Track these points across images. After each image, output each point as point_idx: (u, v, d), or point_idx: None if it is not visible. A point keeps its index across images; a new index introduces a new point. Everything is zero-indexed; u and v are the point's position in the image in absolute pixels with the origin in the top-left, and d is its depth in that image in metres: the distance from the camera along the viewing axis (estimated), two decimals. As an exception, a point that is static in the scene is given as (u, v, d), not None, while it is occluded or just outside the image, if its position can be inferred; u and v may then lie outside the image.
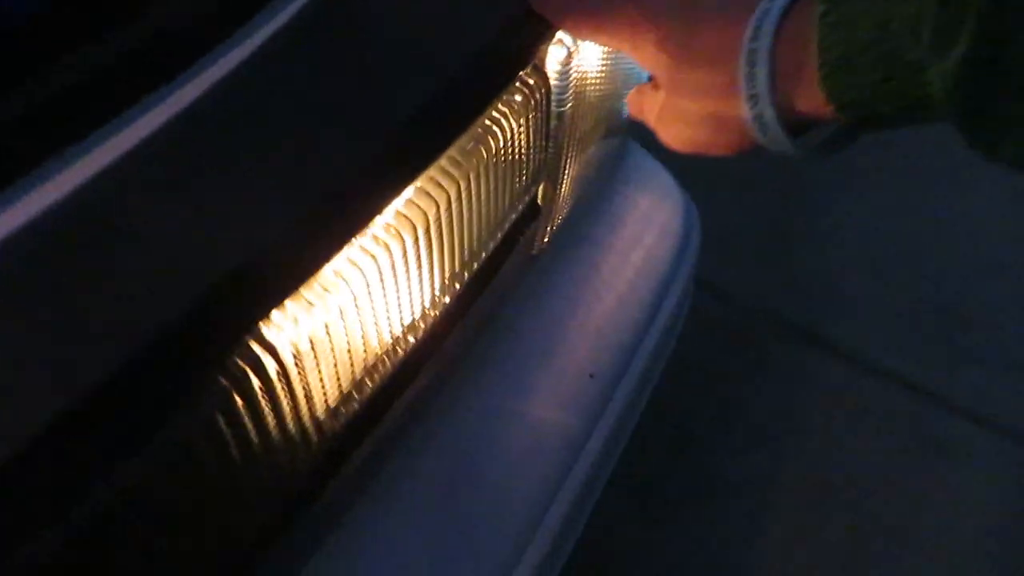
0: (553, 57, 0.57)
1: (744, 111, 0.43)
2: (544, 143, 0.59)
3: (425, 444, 0.64)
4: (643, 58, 0.49)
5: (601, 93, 0.69)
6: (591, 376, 0.75)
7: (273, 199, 0.40)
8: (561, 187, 0.69)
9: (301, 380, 0.41)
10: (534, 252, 0.72)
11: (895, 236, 1.89)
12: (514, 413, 0.70)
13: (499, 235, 0.58)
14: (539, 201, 0.65)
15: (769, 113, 0.42)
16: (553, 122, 0.60)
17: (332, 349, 0.44)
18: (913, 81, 0.38)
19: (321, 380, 0.43)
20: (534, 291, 0.75)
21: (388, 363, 0.50)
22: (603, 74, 0.68)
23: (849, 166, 2.08)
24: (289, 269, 0.40)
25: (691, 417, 1.57)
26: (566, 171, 0.68)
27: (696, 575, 1.36)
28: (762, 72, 0.41)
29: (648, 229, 0.88)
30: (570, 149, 0.67)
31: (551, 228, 0.73)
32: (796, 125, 0.44)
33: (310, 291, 0.41)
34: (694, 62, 0.45)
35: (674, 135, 0.51)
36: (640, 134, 0.95)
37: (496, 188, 0.55)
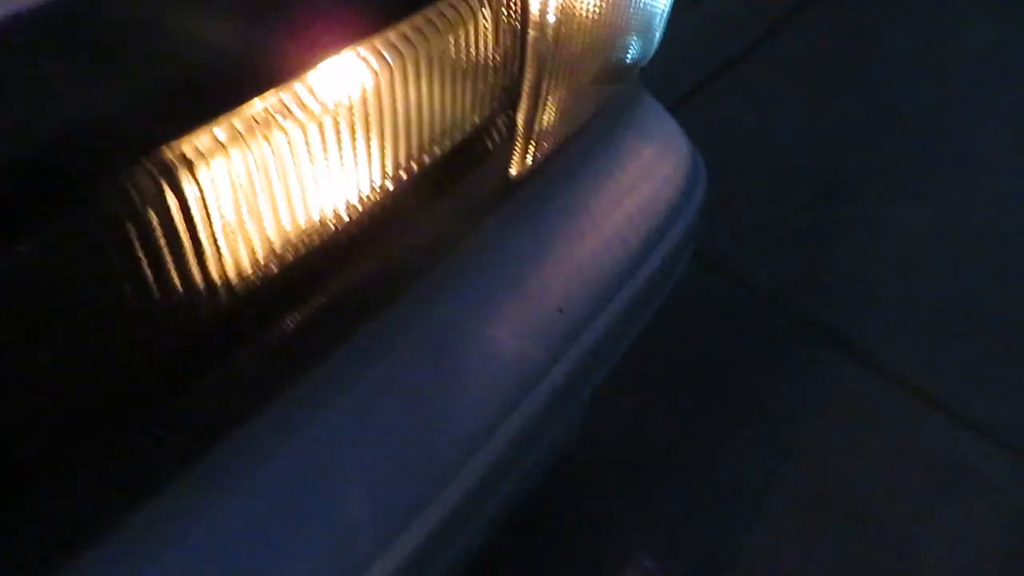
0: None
1: None
2: (518, 50, 0.58)
3: (374, 344, 0.63)
4: None
5: (597, 18, 0.68)
6: (560, 311, 0.74)
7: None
8: (542, 108, 0.68)
9: (204, 222, 0.41)
10: (514, 175, 0.71)
11: (936, 244, 1.82)
12: (472, 331, 0.69)
13: (458, 136, 0.58)
14: (516, 118, 0.64)
15: None
16: (532, 32, 0.59)
17: (244, 198, 0.44)
18: None
19: (229, 229, 0.43)
20: (514, 216, 0.74)
21: (318, 238, 0.50)
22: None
23: (896, 168, 2.03)
24: (213, 97, 0.40)
25: (699, 407, 1.54)
26: (550, 93, 0.67)
27: (686, 572, 1.33)
28: None
29: (647, 177, 0.86)
30: (555, 70, 0.66)
31: (535, 152, 0.72)
32: None
33: (227, 129, 0.41)
34: None
35: None
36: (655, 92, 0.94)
37: (456, 83, 0.54)
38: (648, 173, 0.86)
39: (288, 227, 0.48)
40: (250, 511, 0.56)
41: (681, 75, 2.25)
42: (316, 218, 0.49)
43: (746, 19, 2.48)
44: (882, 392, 1.57)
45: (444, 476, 0.63)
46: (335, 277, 0.54)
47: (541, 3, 0.58)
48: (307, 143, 0.46)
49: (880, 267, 1.79)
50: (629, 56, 0.80)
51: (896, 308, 1.72)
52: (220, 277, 0.44)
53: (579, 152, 0.81)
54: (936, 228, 1.88)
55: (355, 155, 0.50)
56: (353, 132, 0.48)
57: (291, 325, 0.53)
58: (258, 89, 0.41)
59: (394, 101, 0.49)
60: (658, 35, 0.86)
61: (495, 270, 0.72)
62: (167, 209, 0.39)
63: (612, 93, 0.82)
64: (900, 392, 1.57)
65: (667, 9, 0.85)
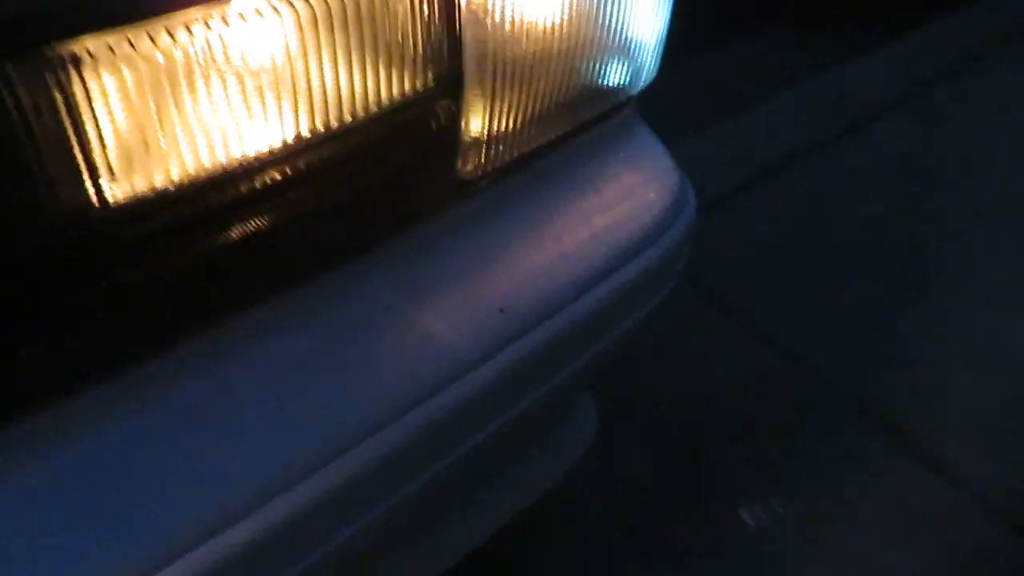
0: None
1: None
2: (446, 35, 0.61)
3: (293, 308, 0.65)
4: None
5: (553, 26, 0.70)
6: (501, 311, 0.73)
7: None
8: (492, 111, 0.69)
9: (92, 123, 0.46)
10: (463, 173, 0.72)
11: (1003, 342, 1.69)
12: (401, 314, 0.70)
13: (376, 110, 0.60)
14: (458, 115, 0.66)
15: None
16: (464, 13, 0.61)
17: (137, 115, 0.48)
18: None
19: (115, 138, 0.47)
20: (469, 216, 0.75)
21: (207, 174, 0.53)
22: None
23: (973, 258, 1.91)
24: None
25: (724, 472, 1.46)
26: (500, 96, 0.69)
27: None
28: None
29: (623, 200, 0.85)
30: (503, 71, 0.67)
31: (489, 156, 0.73)
32: None
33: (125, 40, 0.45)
34: None
35: None
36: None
37: (377, 51, 0.57)
38: (625, 196, 0.86)
39: (181, 161, 0.51)
40: (114, 457, 0.58)
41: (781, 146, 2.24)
42: (213, 160, 0.53)
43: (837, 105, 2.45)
44: (934, 491, 1.45)
45: (329, 451, 0.63)
46: (238, 226, 0.57)
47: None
48: (206, 77, 0.50)
49: (944, 358, 1.67)
50: (608, 76, 0.81)
51: (958, 402, 1.59)
52: (97, 188, 0.48)
53: (552, 167, 0.82)
54: (1007, 321, 1.75)
55: (263, 104, 0.54)
56: (259, 78, 0.51)
57: (190, 267, 0.56)
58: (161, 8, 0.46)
59: (305, 52, 0.53)
60: (649, 63, 0.87)
61: (438, 261, 0.73)
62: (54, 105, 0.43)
63: (595, 114, 0.83)
64: (956, 492, 1.44)
65: (658, 37, 0.86)
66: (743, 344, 1.72)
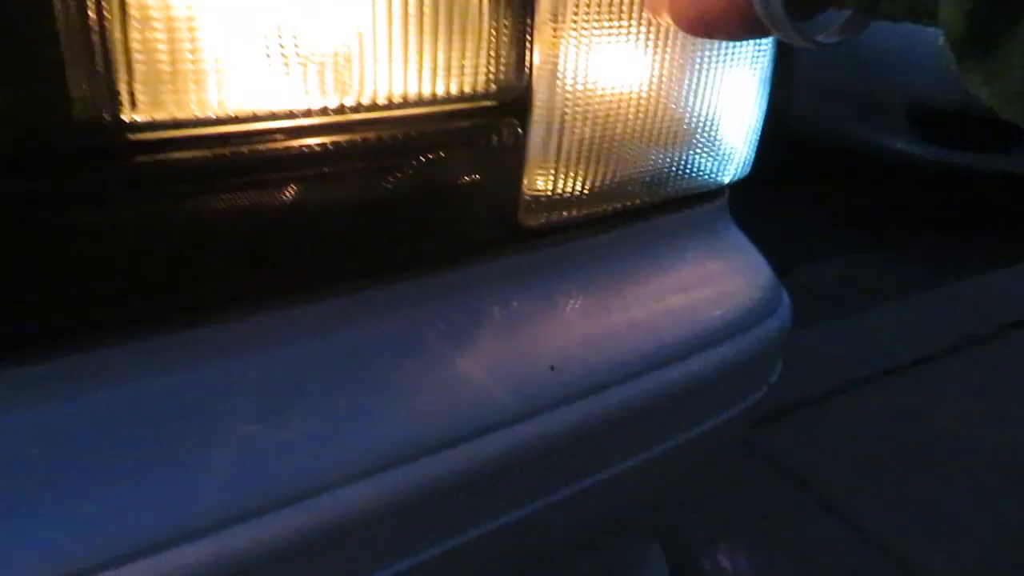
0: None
1: None
2: (516, 69, 0.59)
3: (319, 317, 0.59)
4: None
5: (626, 103, 0.67)
6: (552, 368, 0.64)
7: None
8: (557, 171, 0.65)
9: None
10: (526, 224, 0.67)
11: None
12: (439, 352, 0.62)
13: (432, 100, 0.57)
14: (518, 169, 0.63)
15: None
16: (536, 71, 0.60)
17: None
18: None
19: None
20: (530, 266, 0.69)
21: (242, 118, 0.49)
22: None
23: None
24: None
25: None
26: (563, 155, 0.65)
27: None
28: None
29: (705, 286, 0.77)
30: (566, 127, 0.64)
31: (555, 210, 0.68)
32: (801, 8, 0.46)
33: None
34: None
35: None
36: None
37: (439, 37, 0.55)
38: (707, 281, 0.77)
39: (210, 96, 0.48)
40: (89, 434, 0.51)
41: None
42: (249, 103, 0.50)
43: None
44: None
45: (330, 479, 0.54)
46: (274, 198, 0.53)
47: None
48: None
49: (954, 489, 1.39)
50: (693, 161, 0.76)
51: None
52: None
53: (629, 235, 0.75)
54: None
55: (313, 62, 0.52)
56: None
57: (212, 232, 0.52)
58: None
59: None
60: (740, 155, 0.82)
61: (488, 303, 0.66)
62: None
63: (678, 195, 0.78)
64: None
65: (752, 130, 0.81)
66: (844, 544, 1.50)
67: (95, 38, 0.44)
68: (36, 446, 0.49)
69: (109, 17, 0.45)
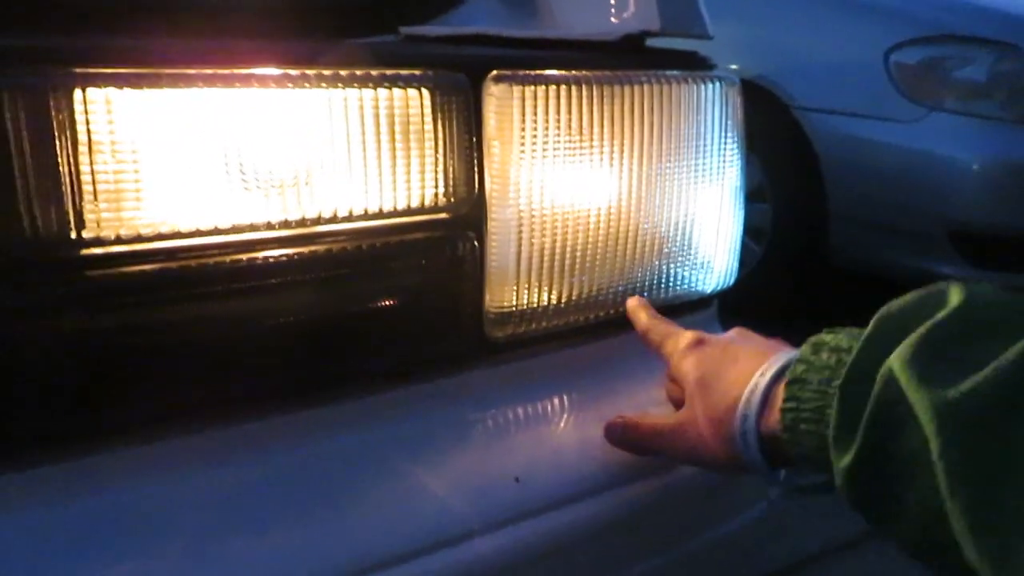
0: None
1: (736, 423, 0.55)
2: (468, 149, 0.61)
3: (272, 429, 0.59)
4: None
5: (586, 223, 0.69)
6: (516, 480, 0.62)
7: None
8: (519, 284, 0.67)
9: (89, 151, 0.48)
10: (492, 335, 0.67)
11: None
12: (401, 466, 0.61)
13: (382, 219, 0.59)
14: (470, 242, 0.64)
15: (752, 433, 0.54)
16: (488, 192, 0.63)
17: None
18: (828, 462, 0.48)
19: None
20: (497, 379, 0.68)
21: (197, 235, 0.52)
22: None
23: None
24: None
25: None
26: (524, 272, 0.67)
27: None
28: (751, 414, 0.54)
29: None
30: (523, 245, 0.66)
31: (521, 324, 0.68)
32: (778, 458, 0.55)
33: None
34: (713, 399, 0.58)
35: (680, 446, 0.60)
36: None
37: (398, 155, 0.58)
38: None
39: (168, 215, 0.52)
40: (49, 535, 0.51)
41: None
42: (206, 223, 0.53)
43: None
44: None
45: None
46: (230, 314, 0.55)
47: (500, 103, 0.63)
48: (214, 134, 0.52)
49: None
50: (669, 273, 0.77)
51: None
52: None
53: (604, 350, 0.75)
54: None
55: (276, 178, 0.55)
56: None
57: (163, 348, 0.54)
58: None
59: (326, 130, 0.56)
60: (723, 266, 0.82)
61: (450, 416, 0.65)
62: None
63: (657, 306, 0.77)
64: None
65: (731, 241, 0.82)
66: None
67: (45, 165, 0.48)
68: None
69: (59, 147, 0.49)
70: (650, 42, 0.76)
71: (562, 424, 0.69)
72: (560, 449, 0.66)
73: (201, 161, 0.53)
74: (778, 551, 1.58)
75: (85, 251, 0.50)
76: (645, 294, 0.76)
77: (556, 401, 0.70)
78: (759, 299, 2.12)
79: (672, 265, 0.78)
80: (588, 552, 0.63)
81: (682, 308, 0.81)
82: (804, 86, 2.60)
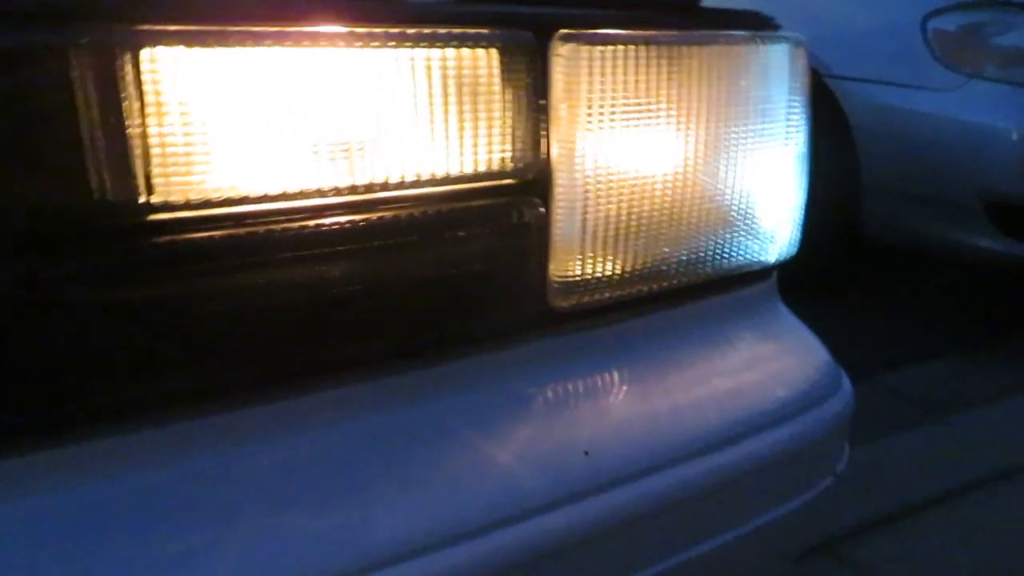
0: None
1: None
2: (534, 111, 0.59)
3: (347, 399, 0.57)
4: None
5: (651, 188, 0.66)
6: (586, 453, 0.61)
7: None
8: (584, 255, 0.64)
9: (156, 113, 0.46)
10: (556, 305, 0.65)
11: None
12: (464, 434, 0.59)
13: (446, 184, 0.57)
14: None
15: None
16: (554, 159, 0.60)
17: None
18: None
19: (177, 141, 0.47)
20: (563, 349, 0.66)
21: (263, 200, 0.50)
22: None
23: None
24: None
25: None
26: (589, 240, 0.64)
27: None
28: None
29: (753, 369, 0.73)
30: (589, 212, 0.63)
31: (585, 293, 0.66)
32: None
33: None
34: None
35: None
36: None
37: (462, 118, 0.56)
38: (756, 364, 0.73)
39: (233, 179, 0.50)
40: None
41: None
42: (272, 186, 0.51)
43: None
44: None
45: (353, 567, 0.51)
46: (292, 279, 0.53)
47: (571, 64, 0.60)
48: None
49: None
50: (731, 242, 0.74)
51: None
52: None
53: (668, 319, 0.72)
54: None
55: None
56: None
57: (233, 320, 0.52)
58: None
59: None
60: (783, 236, 0.79)
61: (517, 387, 0.64)
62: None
63: (718, 276, 0.75)
64: None
65: (794, 210, 0.79)
66: None
67: (114, 125, 0.47)
68: (35, 537, 0.48)
69: (127, 106, 0.47)
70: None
71: (627, 396, 0.67)
72: (627, 422, 0.64)
73: (266, 123, 0.51)
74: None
75: (153, 216, 0.49)
76: (707, 264, 0.74)
77: (620, 373, 0.68)
78: (789, 271, 2.09)
79: (735, 234, 0.75)
80: (661, 527, 0.62)
81: (742, 279, 0.78)
82: (838, 53, 2.54)
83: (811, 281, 2.37)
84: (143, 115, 0.47)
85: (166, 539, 0.50)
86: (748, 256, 0.78)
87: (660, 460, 0.63)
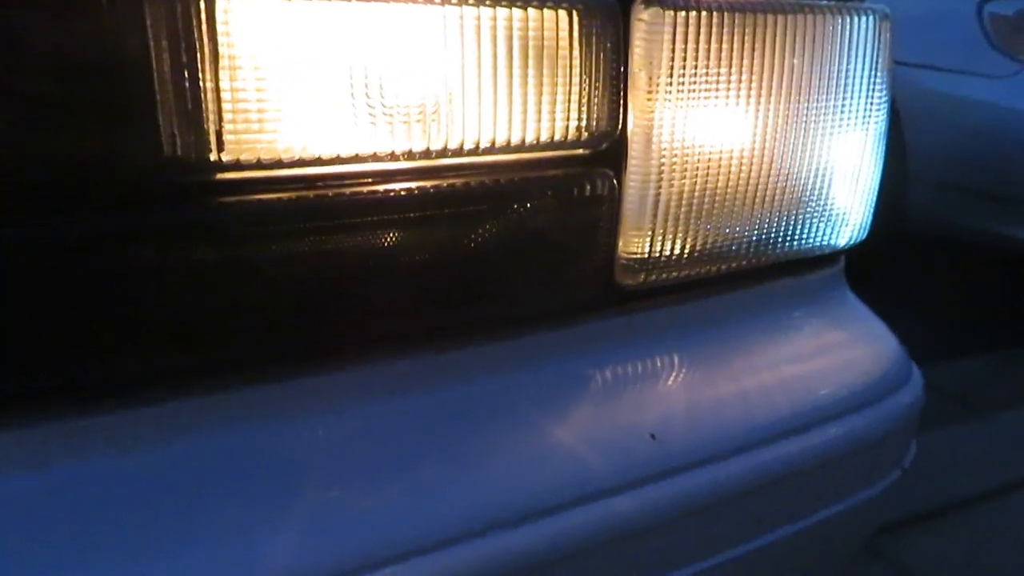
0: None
1: None
2: (612, 79, 0.56)
3: (406, 375, 0.56)
4: None
5: (727, 166, 0.63)
6: (652, 436, 0.59)
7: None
8: (656, 232, 0.62)
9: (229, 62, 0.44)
10: (623, 283, 0.62)
11: None
12: (531, 417, 0.57)
13: (517, 152, 0.54)
14: (608, 181, 0.59)
15: None
16: (631, 130, 0.57)
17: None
18: None
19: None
20: (628, 328, 0.64)
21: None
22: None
23: None
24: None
25: None
26: (660, 218, 0.62)
27: None
28: None
29: (823, 355, 0.70)
30: (663, 188, 0.61)
31: (653, 271, 0.64)
32: None
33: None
34: None
35: None
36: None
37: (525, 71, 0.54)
38: (826, 351, 0.70)
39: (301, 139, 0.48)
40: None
41: None
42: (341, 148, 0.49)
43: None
44: None
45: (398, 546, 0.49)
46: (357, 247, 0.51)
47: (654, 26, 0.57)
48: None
49: None
50: (803, 225, 0.71)
51: None
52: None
53: (736, 301, 0.70)
54: None
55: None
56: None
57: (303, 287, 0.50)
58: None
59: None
60: (855, 220, 0.76)
61: (584, 367, 0.61)
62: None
63: (789, 259, 0.72)
64: None
65: (866, 194, 0.76)
66: None
67: (187, 82, 0.45)
68: (110, 496, 0.47)
69: (201, 63, 0.45)
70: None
71: (693, 380, 0.65)
72: (695, 406, 0.62)
73: (339, 82, 0.49)
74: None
75: (222, 175, 0.47)
76: (777, 245, 0.71)
77: (685, 355, 0.66)
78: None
79: (807, 215, 0.72)
80: (727, 516, 0.60)
81: (811, 263, 0.75)
82: (888, 38, 2.47)
83: (852, 268, 2.33)
84: (216, 69, 0.45)
85: (229, 505, 0.49)
86: (818, 239, 0.75)
87: (729, 447, 0.60)
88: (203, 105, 0.45)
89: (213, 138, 0.46)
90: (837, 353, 0.71)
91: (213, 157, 0.46)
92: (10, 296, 0.43)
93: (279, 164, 0.48)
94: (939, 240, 2.59)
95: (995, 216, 2.41)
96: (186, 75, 0.45)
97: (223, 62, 0.45)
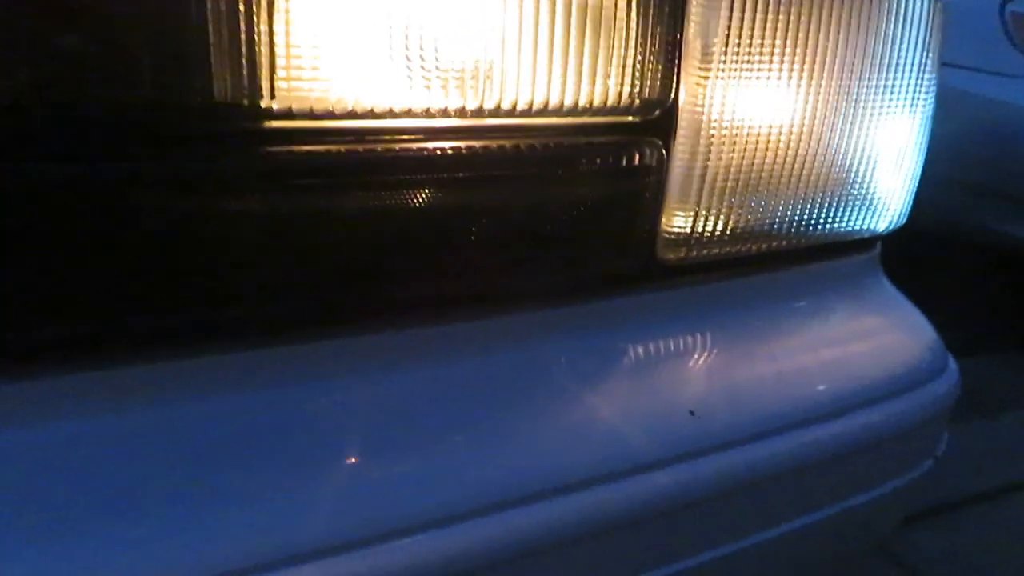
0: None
1: None
2: (667, 46, 0.54)
3: (447, 341, 0.54)
4: None
5: (774, 149, 0.62)
6: (692, 413, 0.57)
7: None
8: (697, 210, 0.60)
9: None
10: (664, 257, 0.61)
11: None
12: (569, 389, 0.56)
13: (565, 116, 0.53)
14: (656, 150, 0.58)
15: None
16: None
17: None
18: None
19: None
20: (669, 302, 0.63)
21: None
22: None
23: None
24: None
25: None
26: (705, 196, 0.60)
27: None
28: None
29: (861, 340, 0.69)
30: (709, 168, 0.59)
31: (693, 247, 0.62)
32: None
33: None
34: None
35: None
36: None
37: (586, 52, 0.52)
38: (863, 336, 0.69)
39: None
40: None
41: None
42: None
43: None
44: None
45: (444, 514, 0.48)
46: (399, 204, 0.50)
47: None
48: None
49: None
50: (844, 208, 0.70)
51: None
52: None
53: (776, 282, 0.69)
54: None
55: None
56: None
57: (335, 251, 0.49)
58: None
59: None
60: (896, 205, 0.75)
61: (624, 340, 0.60)
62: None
63: (829, 242, 0.71)
64: None
65: (908, 180, 0.74)
66: None
67: (241, 26, 0.43)
68: (136, 449, 0.46)
69: (256, 8, 0.44)
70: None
71: (732, 359, 0.63)
72: (734, 384, 0.61)
73: (392, 35, 0.47)
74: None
75: (273, 123, 0.45)
76: (818, 227, 0.70)
77: (727, 333, 0.64)
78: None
79: (849, 197, 0.71)
80: (767, 496, 0.59)
81: (849, 247, 0.74)
82: (908, 34, 2.45)
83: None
84: (271, 15, 0.44)
85: (277, 460, 0.47)
86: (858, 223, 0.73)
87: (769, 427, 0.59)
88: (256, 51, 0.44)
89: (266, 84, 0.44)
90: (876, 339, 0.70)
91: (264, 104, 0.44)
92: (56, 241, 0.42)
93: (330, 115, 0.46)
94: (946, 238, 2.57)
95: (1006, 216, 2.40)
96: (241, 20, 0.43)
97: (278, 8, 0.44)
